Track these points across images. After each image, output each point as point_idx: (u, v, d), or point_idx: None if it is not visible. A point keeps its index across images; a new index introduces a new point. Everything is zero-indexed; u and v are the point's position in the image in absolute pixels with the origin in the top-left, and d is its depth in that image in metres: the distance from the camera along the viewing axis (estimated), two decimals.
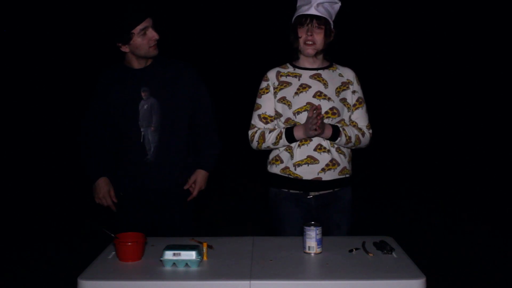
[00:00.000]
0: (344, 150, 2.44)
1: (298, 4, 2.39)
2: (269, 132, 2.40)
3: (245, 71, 9.82)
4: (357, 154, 2.59)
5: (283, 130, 2.37)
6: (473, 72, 10.94)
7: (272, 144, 2.40)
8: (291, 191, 2.43)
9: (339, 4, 2.39)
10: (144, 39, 2.34)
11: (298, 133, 2.34)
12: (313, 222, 2.05)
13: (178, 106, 2.46)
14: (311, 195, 2.43)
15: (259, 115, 2.44)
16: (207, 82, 2.59)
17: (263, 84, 2.44)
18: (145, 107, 2.41)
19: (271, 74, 2.44)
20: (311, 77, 2.40)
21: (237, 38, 11.09)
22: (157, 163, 2.46)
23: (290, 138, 2.36)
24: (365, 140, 2.45)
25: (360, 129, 2.44)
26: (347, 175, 2.47)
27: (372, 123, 2.53)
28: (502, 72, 10.51)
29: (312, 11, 2.30)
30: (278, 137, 2.37)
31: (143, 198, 2.52)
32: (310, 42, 2.33)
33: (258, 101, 2.45)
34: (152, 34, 2.35)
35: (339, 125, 2.38)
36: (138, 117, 2.41)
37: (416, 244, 3.76)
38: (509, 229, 4.74)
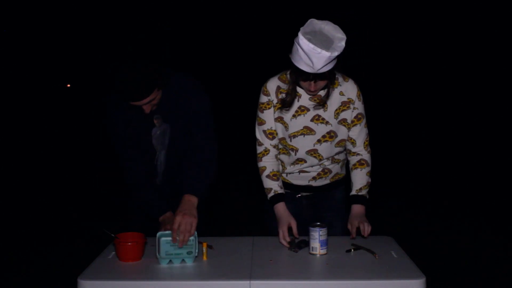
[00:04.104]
0: (340, 157, 2.40)
1: (297, 53, 2.00)
2: (266, 176, 2.30)
3: (250, 70, 9.82)
4: None
5: (271, 195, 2.27)
6: (472, 73, 10.94)
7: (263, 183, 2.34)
8: None
9: (339, 51, 1.98)
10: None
11: (277, 210, 2.24)
12: (318, 223, 2.04)
13: (185, 129, 2.33)
14: (301, 194, 2.43)
15: (264, 131, 2.30)
16: (210, 82, 2.44)
17: (264, 98, 2.27)
18: (158, 132, 2.33)
19: (271, 88, 2.25)
20: (311, 98, 2.25)
21: (237, 38, 11.08)
22: (165, 186, 2.40)
23: (271, 203, 2.27)
24: (370, 165, 2.38)
25: (362, 163, 2.34)
26: (339, 178, 2.46)
27: (372, 124, 2.47)
28: (502, 73, 10.51)
29: (315, 71, 2.04)
30: (266, 191, 2.30)
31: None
32: (313, 90, 2.15)
33: (261, 115, 2.29)
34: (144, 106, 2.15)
35: (362, 193, 2.35)
36: (152, 140, 2.33)
37: (416, 244, 3.76)
38: (509, 229, 4.74)
